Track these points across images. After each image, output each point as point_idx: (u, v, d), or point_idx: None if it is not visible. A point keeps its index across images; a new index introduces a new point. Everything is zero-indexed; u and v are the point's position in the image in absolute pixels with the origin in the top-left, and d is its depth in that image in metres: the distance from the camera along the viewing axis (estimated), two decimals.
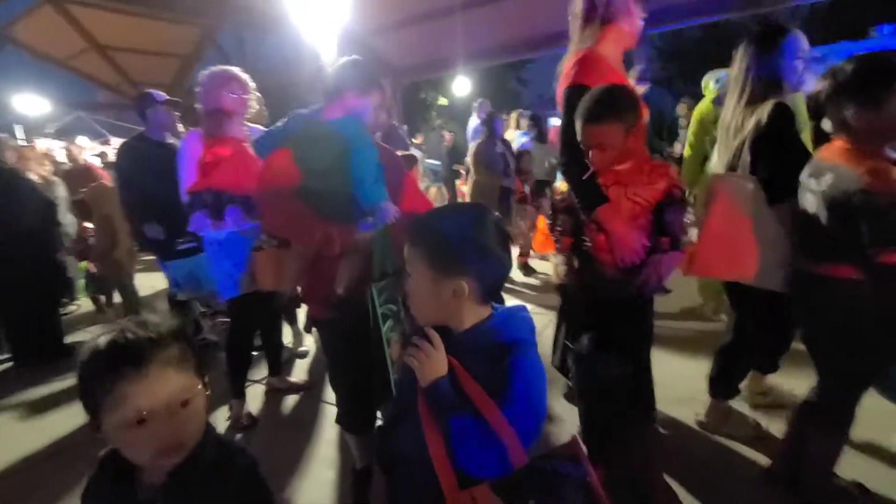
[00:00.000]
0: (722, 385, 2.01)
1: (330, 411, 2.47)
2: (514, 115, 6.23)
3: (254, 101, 2.41)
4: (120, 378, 0.70)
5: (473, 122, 6.18)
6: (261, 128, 2.51)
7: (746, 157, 1.67)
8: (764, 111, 1.61)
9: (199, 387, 0.78)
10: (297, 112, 1.70)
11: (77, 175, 5.08)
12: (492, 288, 0.90)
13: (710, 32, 20.82)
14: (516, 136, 5.90)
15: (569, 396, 2.28)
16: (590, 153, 1.53)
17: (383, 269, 1.56)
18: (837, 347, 1.46)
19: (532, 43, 8.08)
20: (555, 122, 7.01)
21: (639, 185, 1.53)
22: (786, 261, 1.57)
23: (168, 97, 2.92)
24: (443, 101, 16.51)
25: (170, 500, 0.77)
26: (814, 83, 1.68)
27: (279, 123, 1.70)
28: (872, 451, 1.83)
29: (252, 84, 2.39)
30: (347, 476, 1.85)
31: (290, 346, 3.18)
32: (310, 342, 3.29)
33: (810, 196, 1.42)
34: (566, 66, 1.73)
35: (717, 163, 1.86)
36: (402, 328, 1.56)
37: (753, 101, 1.68)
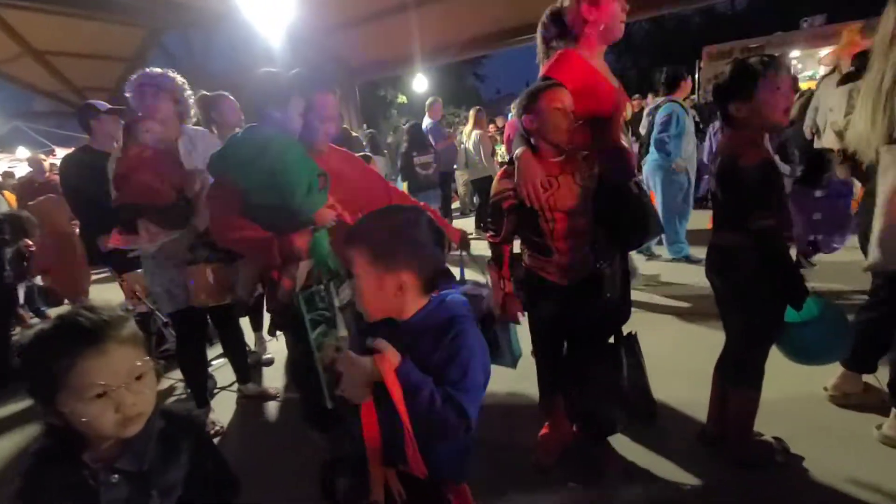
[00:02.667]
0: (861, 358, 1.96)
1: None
2: (472, 112, 6.32)
3: (192, 106, 2.34)
4: (80, 356, 0.78)
5: (426, 121, 6.24)
6: (203, 130, 2.47)
7: None
8: None
9: (150, 361, 0.87)
10: (233, 134, 1.76)
11: (32, 189, 4.83)
12: (430, 280, 0.99)
13: (657, 25, 21.63)
14: (474, 134, 5.99)
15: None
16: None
17: (318, 274, 1.64)
18: (736, 308, 1.66)
19: (488, 39, 8.22)
20: (510, 116, 7.14)
21: (582, 172, 1.66)
22: None
23: (110, 105, 2.83)
24: (402, 98, 16.46)
25: (126, 469, 0.85)
26: None
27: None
28: (795, 408, 2.00)
29: (188, 90, 2.31)
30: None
31: (255, 351, 3.17)
32: (275, 349, 3.29)
33: (711, 179, 1.67)
34: (546, 65, 1.83)
35: (867, 130, 1.68)
36: (335, 332, 1.66)
37: None
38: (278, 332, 2.34)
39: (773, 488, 1.65)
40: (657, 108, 4.14)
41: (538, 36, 1.92)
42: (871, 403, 1.96)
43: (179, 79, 2.27)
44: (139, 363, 0.84)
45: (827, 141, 3.61)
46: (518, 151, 1.68)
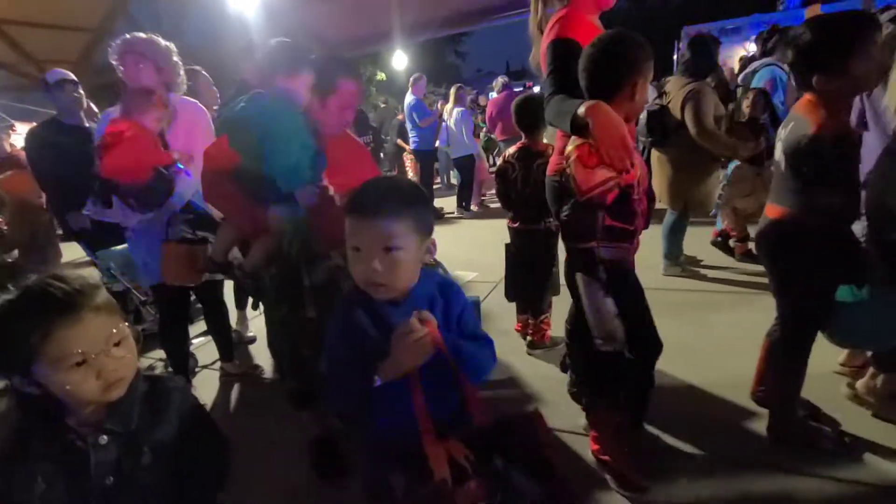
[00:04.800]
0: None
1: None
2: (452, 89, 6.26)
3: (180, 73, 2.24)
4: (56, 326, 0.78)
5: (409, 97, 6.15)
6: (190, 100, 2.37)
7: None
8: None
9: (127, 327, 0.88)
10: (239, 98, 1.72)
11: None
12: None
13: (638, 4, 21.60)
14: (455, 112, 5.94)
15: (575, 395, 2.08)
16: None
17: (289, 252, 1.63)
18: (788, 284, 1.61)
19: (468, 16, 8.08)
20: (492, 94, 7.10)
21: None
22: None
23: (68, 76, 2.69)
24: (381, 75, 16.16)
25: (114, 429, 0.87)
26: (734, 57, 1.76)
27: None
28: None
29: (174, 55, 2.19)
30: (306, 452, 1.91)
31: (238, 330, 3.14)
32: (258, 326, 3.26)
33: (779, 143, 1.57)
34: (547, 26, 1.73)
35: None
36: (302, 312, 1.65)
37: None
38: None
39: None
40: (754, 71, 3.72)
41: None
42: None
43: (164, 44, 2.15)
44: (115, 329, 0.85)
45: None
46: (583, 109, 1.35)
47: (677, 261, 3.43)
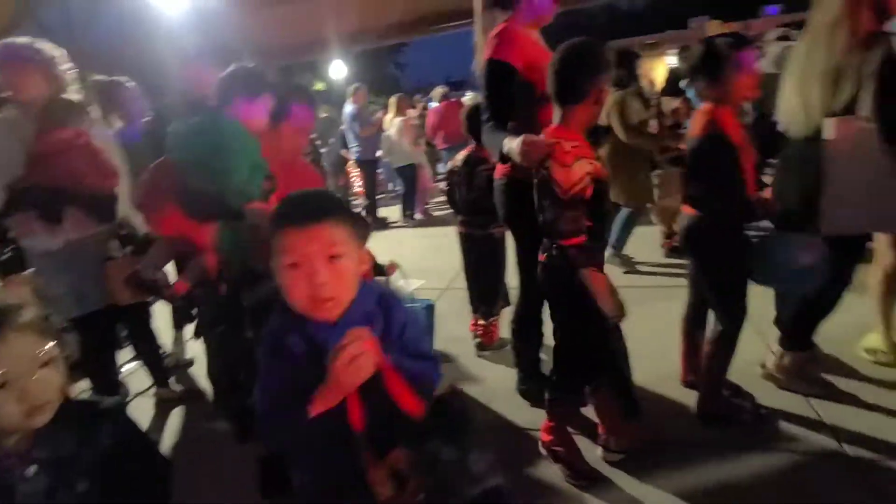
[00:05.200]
0: (795, 336, 2.00)
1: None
2: (393, 99, 6.28)
3: (70, 84, 2.03)
4: None
5: (349, 107, 6.11)
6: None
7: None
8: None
9: (56, 347, 0.83)
10: (182, 118, 1.69)
11: None
12: None
13: (569, 21, 22.78)
14: (396, 121, 5.97)
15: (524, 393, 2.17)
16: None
17: (226, 270, 1.61)
18: (704, 276, 1.83)
19: (408, 26, 8.17)
20: (432, 104, 7.19)
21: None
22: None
23: None
24: (320, 85, 15.90)
25: (42, 457, 0.82)
26: None
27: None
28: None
29: (64, 64, 2.00)
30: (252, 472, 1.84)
31: (174, 352, 2.96)
32: (197, 348, 3.09)
33: None
34: (487, 41, 1.82)
35: (805, 107, 1.78)
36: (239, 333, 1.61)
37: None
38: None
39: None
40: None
41: (477, 7, 1.95)
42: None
43: (50, 50, 1.96)
44: (42, 350, 0.80)
45: None
46: (506, 149, 1.57)
47: (619, 253, 3.67)
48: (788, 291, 1.97)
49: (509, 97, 1.74)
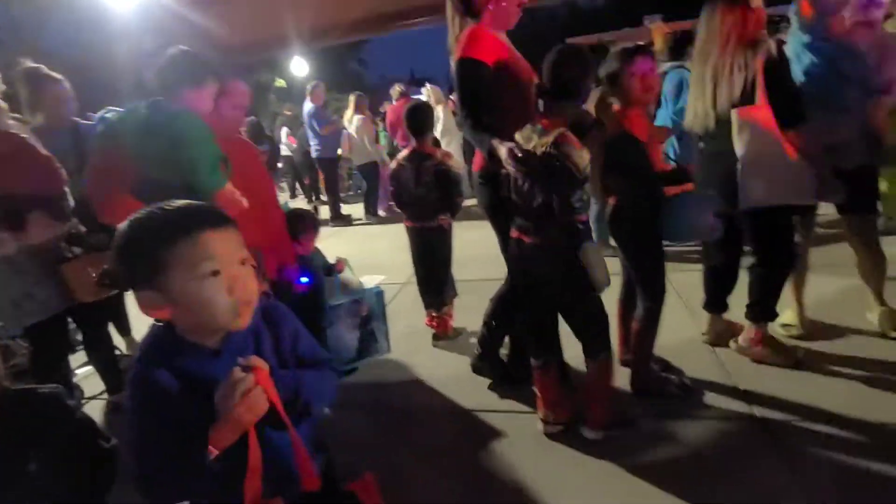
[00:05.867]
0: (759, 308, 2.13)
1: None
2: (352, 97, 6.30)
3: None
4: None
5: (308, 105, 6.09)
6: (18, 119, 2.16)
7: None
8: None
9: None
10: (130, 106, 1.68)
11: None
12: None
13: (531, 17, 23.10)
14: (356, 119, 5.99)
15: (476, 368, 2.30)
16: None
17: None
18: (625, 255, 2.00)
19: (370, 22, 8.08)
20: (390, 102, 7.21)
21: None
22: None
23: None
24: (280, 83, 15.59)
25: None
26: None
27: (103, 117, 1.65)
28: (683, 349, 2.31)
29: None
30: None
31: (128, 355, 2.93)
32: None
33: None
34: (458, 42, 1.90)
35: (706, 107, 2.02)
36: None
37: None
38: None
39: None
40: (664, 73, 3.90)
41: (449, 11, 2.00)
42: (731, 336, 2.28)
43: None
44: None
45: None
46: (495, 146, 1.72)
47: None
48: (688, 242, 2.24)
49: (483, 92, 1.84)
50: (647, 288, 1.95)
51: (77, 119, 2.44)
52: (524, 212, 1.71)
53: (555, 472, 1.70)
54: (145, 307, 0.78)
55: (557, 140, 1.56)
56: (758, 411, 1.87)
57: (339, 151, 6.21)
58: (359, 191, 8.28)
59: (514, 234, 1.78)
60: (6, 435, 0.88)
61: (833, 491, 1.49)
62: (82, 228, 2.12)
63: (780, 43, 1.93)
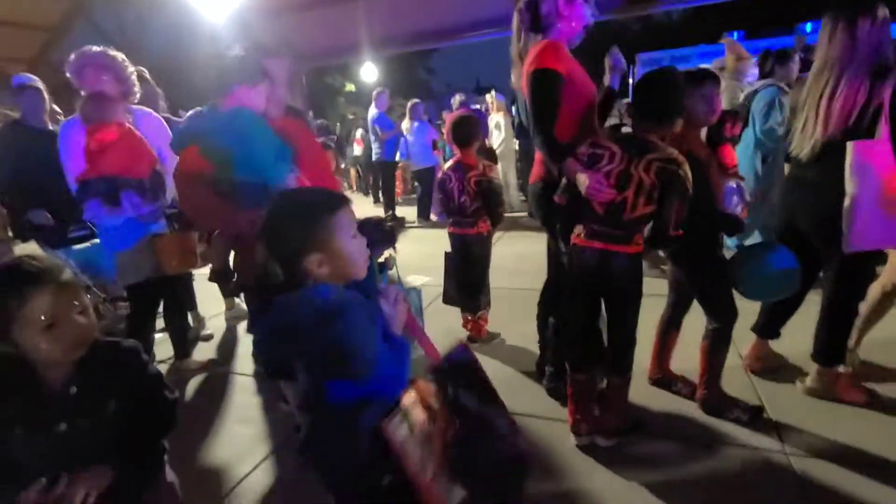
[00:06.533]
0: (834, 352, 2.07)
1: (240, 381, 2.67)
2: (409, 104, 6.52)
3: (136, 84, 2.42)
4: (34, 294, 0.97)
5: (373, 111, 6.38)
6: (146, 109, 2.55)
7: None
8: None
9: (88, 300, 1.08)
10: (196, 110, 1.84)
11: None
12: None
13: (600, 30, 22.67)
14: (413, 125, 6.18)
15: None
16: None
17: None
18: (689, 276, 1.98)
19: (437, 33, 8.39)
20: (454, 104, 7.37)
21: None
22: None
23: (34, 82, 2.80)
24: (350, 86, 16.33)
25: (79, 381, 1.05)
26: None
27: (184, 120, 1.81)
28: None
29: (130, 67, 2.38)
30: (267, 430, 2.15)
31: (194, 327, 3.25)
32: (214, 326, 3.39)
33: None
34: (530, 54, 1.88)
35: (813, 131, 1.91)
36: None
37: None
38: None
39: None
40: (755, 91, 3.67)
41: (515, 24, 2.01)
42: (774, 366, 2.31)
43: (120, 56, 2.33)
44: (77, 301, 1.03)
45: None
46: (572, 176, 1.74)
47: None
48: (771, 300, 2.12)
49: (557, 104, 1.81)
50: (715, 309, 1.94)
51: (169, 116, 2.81)
52: (601, 219, 1.71)
53: (580, 482, 1.75)
54: (315, 266, 0.99)
55: (673, 159, 1.61)
56: (788, 448, 1.82)
57: (398, 156, 6.44)
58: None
59: (580, 240, 1.77)
60: (93, 376, 1.07)
61: None
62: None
63: None
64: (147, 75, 2.85)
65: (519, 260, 4.17)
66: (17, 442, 1.02)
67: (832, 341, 2.05)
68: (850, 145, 1.78)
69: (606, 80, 2.04)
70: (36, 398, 1.03)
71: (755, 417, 1.95)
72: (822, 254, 1.99)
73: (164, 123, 2.61)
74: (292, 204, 1.04)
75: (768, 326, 2.26)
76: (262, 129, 1.73)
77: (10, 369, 1.03)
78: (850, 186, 1.79)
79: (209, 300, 3.50)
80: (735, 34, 11.03)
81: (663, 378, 2.23)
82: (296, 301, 0.99)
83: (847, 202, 1.80)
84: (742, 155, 3.50)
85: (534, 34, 1.93)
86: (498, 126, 6.37)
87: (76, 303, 1.03)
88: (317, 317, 0.94)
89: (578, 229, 1.78)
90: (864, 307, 2.15)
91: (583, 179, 1.66)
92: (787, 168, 2.20)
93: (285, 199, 1.06)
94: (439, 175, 2.77)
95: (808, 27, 12.01)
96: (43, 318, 0.97)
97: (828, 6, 1.86)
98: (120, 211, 2.24)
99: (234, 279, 1.94)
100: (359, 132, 8.66)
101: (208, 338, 3.25)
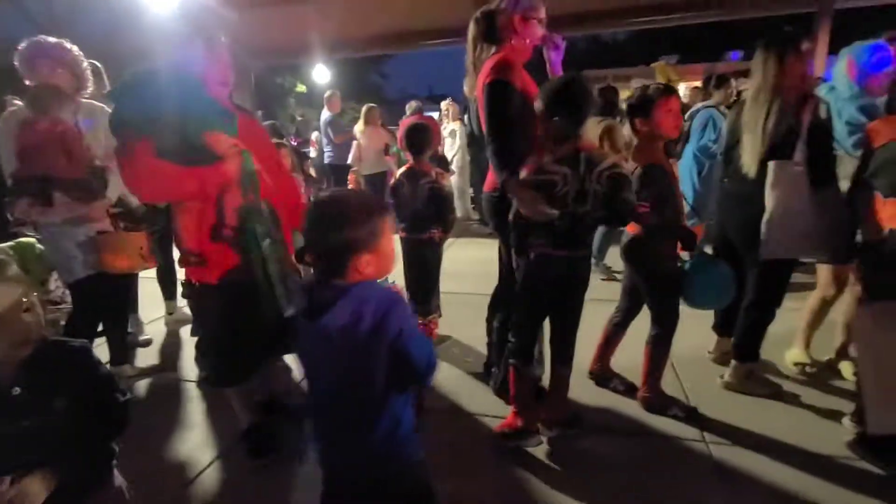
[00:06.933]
0: (749, 350, 2.28)
1: (184, 387, 2.58)
2: (364, 108, 6.49)
3: (90, 79, 2.33)
4: None
5: (325, 113, 6.32)
6: (96, 104, 2.45)
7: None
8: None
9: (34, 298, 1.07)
10: (124, 79, 1.69)
11: None
12: None
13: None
14: (366, 130, 6.16)
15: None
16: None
17: (250, 191, 1.71)
18: (644, 282, 2.11)
19: (391, 38, 8.43)
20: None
21: None
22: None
23: None
24: (301, 87, 16.00)
25: (24, 380, 1.03)
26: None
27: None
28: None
29: (84, 62, 2.30)
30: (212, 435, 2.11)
31: (131, 332, 3.09)
32: (152, 331, 3.24)
33: None
34: (486, 66, 1.93)
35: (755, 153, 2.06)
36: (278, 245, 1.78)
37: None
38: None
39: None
40: (694, 113, 3.97)
41: (471, 34, 2.06)
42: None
43: (75, 49, 2.24)
44: (24, 299, 1.02)
45: None
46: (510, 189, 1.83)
47: (597, 263, 3.94)
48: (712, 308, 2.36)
49: (511, 115, 1.86)
50: (661, 315, 2.09)
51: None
52: (547, 229, 1.77)
53: (510, 475, 1.85)
54: (365, 267, 1.01)
55: (618, 164, 1.74)
56: (707, 436, 2.01)
57: (349, 161, 6.37)
58: None
59: (547, 250, 1.81)
60: (39, 376, 1.05)
61: None
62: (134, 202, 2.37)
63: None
64: (101, 69, 2.72)
65: (469, 265, 4.28)
66: None
67: (748, 340, 2.27)
68: (770, 164, 2.02)
69: (547, 57, 2.09)
70: None
71: (690, 417, 2.12)
72: (746, 260, 2.22)
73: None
74: (348, 206, 1.03)
75: (727, 324, 2.48)
76: (200, 90, 1.66)
77: None
78: (769, 200, 2.03)
79: (149, 304, 3.35)
80: (672, 58, 11.97)
81: (602, 373, 2.39)
82: (370, 292, 1.01)
83: (766, 215, 2.03)
84: (683, 169, 3.83)
85: (488, 45, 2.00)
86: (452, 134, 6.48)
87: (23, 300, 1.01)
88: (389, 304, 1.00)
89: (541, 240, 1.81)
90: (805, 315, 2.48)
91: (526, 203, 1.74)
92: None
93: (337, 200, 1.06)
94: (391, 181, 2.81)
95: (736, 55, 13.27)
96: None
97: (761, 38, 2.10)
98: (51, 212, 2.14)
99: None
100: (314, 134, 8.52)
101: (147, 343, 3.11)
